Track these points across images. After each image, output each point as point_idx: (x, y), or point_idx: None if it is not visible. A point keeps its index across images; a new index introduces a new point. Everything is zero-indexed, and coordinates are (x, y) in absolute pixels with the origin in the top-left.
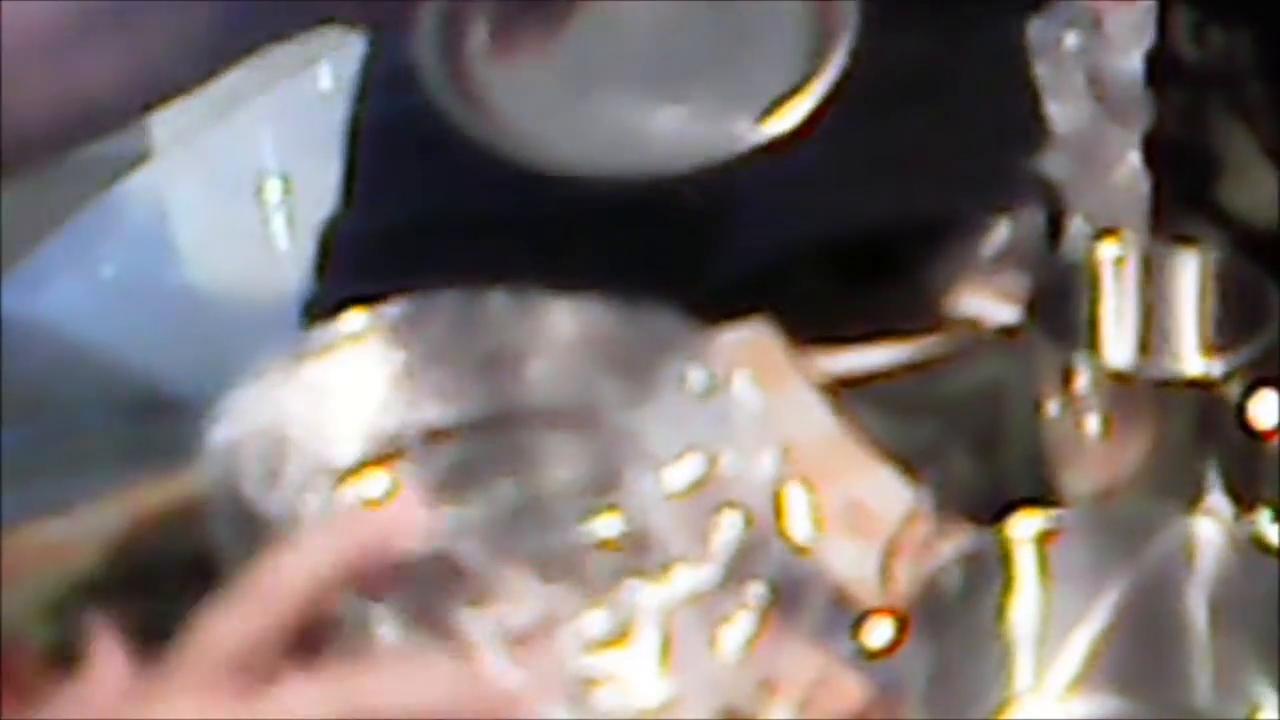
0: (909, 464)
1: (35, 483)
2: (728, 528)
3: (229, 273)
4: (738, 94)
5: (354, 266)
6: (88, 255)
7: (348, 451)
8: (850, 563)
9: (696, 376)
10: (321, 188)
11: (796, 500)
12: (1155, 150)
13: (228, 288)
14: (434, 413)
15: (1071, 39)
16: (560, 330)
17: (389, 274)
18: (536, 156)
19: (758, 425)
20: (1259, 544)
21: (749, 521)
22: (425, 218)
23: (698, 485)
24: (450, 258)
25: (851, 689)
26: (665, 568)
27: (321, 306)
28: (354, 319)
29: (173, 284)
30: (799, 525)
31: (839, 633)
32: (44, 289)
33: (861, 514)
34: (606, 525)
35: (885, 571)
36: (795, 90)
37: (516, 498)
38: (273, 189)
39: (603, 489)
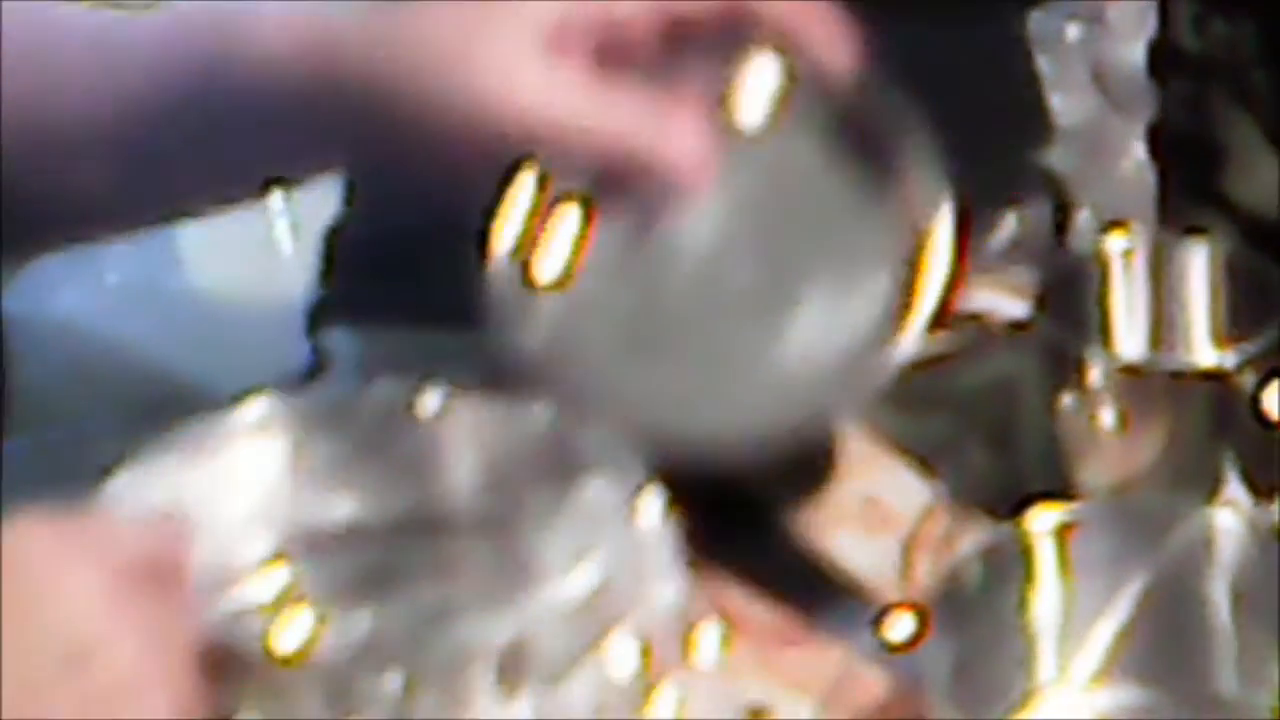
0: (925, 459)
1: (41, 488)
2: (619, 653)
3: (233, 278)
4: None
5: (358, 271)
6: (93, 261)
7: (246, 549)
8: (870, 558)
9: (610, 494)
10: (324, 193)
11: (708, 634)
12: (1159, 142)
13: (232, 293)
14: (337, 511)
15: (1074, 30)
16: (484, 434)
17: (393, 277)
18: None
19: (664, 552)
20: (1278, 533)
21: (645, 652)
22: (429, 221)
23: (590, 604)
24: (452, 260)
25: (873, 683)
26: (555, 680)
27: (326, 311)
28: (256, 407)
29: (177, 289)
30: (708, 660)
31: (860, 627)
32: (49, 295)
33: (879, 510)
34: (496, 634)
35: (905, 566)
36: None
37: (415, 604)
38: (276, 194)
39: (497, 600)
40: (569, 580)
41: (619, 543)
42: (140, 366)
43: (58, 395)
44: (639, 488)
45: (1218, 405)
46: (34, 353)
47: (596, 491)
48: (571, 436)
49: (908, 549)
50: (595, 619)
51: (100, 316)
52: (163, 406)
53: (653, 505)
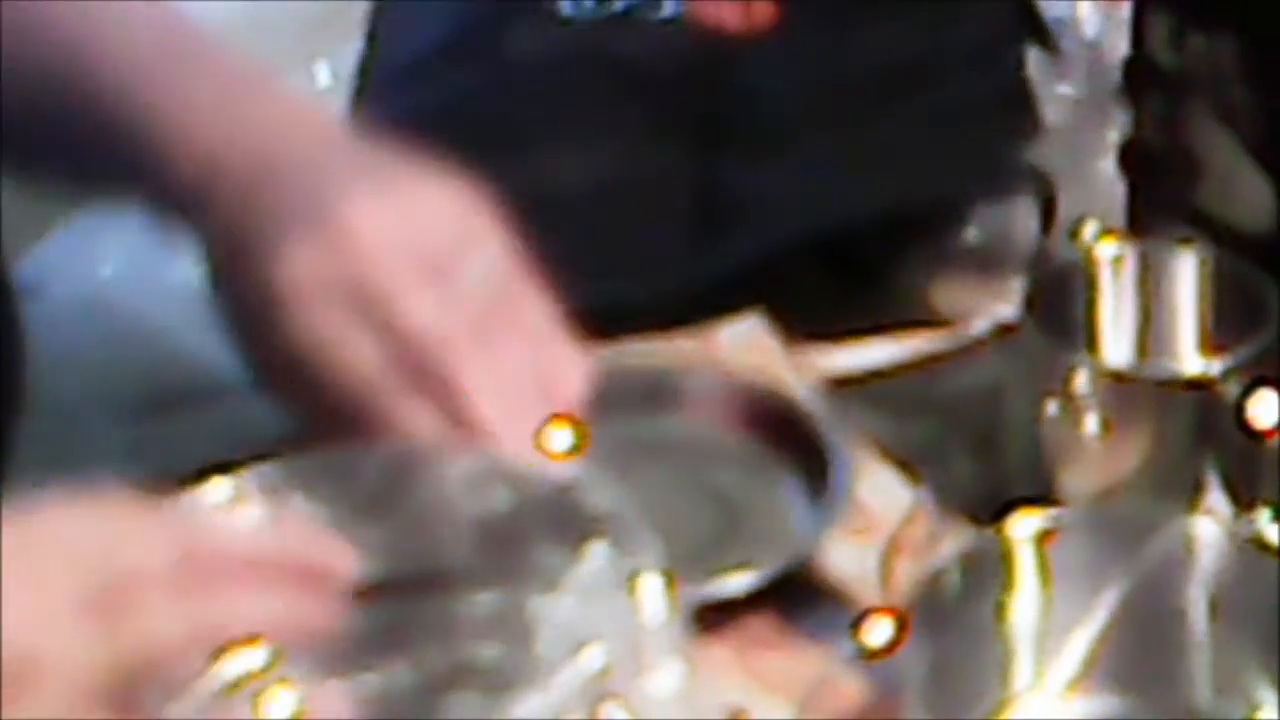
0: (908, 463)
1: (35, 482)
2: None
3: None
4: None
5: None
6: (88, 254)
7: None
8: (850, 562)
9: (618, 566)
10: None
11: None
12: (1135, 157)
13: None
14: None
15: (1064, 31)
16: (485, 491)
17: None
18: None
19: (667, 638)
20: (1258, 543)
21: None
22: None
23: (589, 684)
24: None
25: (851, 688)
26: None
27: None
28: (221, 485)
29: (172, 283)
30: None
31: (839, 632)
32: (44, 288)
33: (861, 513)
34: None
35: (885, 571)
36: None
37: (426, 668)
38: None
39: (509, 674)
40: (573, 663)
41: (622, 626)
42: (133, 360)
43: (50, 388)
44: (643, 564)
45: (1202, 414)
46: (39, 335)
47: (600, 566)
48: (579, 499)
49: (888, 553)
50: (594, 701)
51: (95, 309)
52: (156, 400)
53: (655, 586)
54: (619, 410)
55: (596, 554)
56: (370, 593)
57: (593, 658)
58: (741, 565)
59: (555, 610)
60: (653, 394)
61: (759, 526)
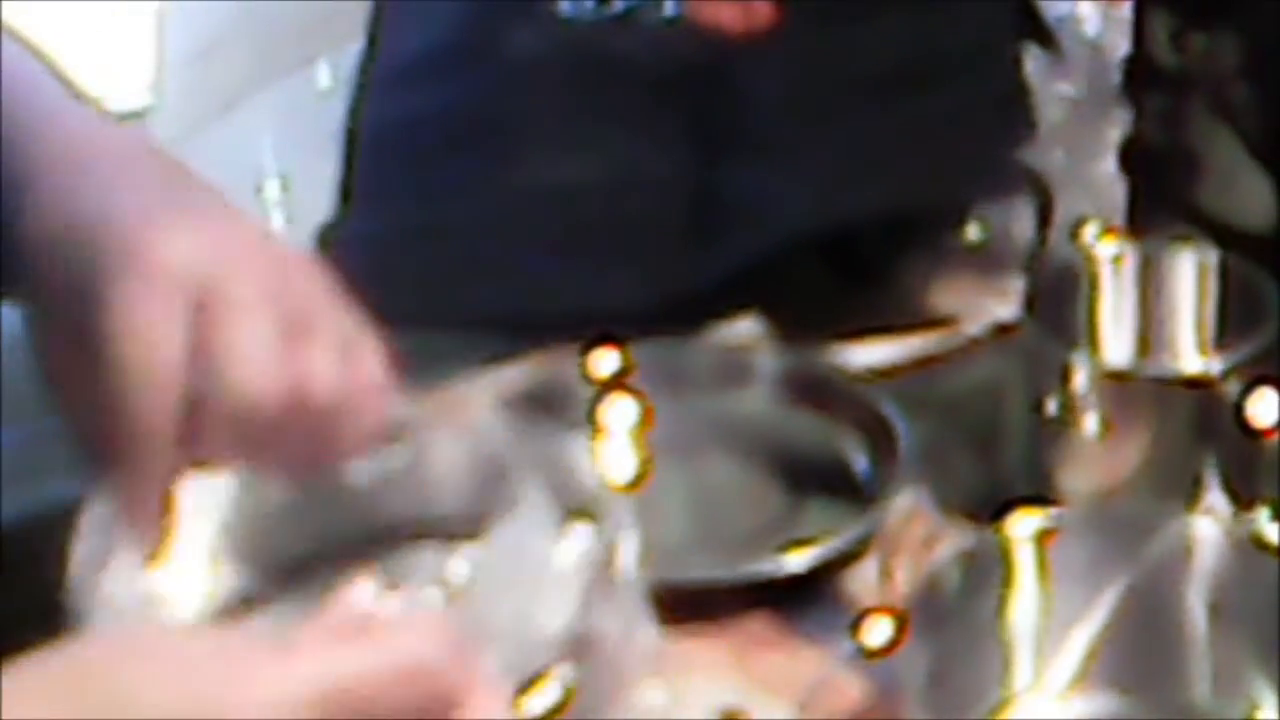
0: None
1: (35, 482)
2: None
3: None
4: None
5: (352, 269)
6: None
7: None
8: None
9: (588, 540)
10: (319, 186)
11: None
12: (1135, 156)
13: None
14: (294, 549)
15: (1064, 30)
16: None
17: (388, 276)
18: None
19: (637, 599)
20: (1257, 542)
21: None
22: (423, 219)
23: (574, 652)
24: (447, 259)
25: (851, 688)
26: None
27: None
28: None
29: None
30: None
31: (838, 632)
32: None
33: None
34: None
35: (884, 570)
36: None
37: None
38: (272, 188)
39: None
40: (554, 627)
41: (598, 592)
42: None
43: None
44: (617, 533)
45: (1201, 413)
46: (21, 342)
47: (523, 523)
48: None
49: (887, 553)
50: (576, 664)
51: None
52: None
53: (630, 551)
54: (687, 389)
55: (521, 513)
56: (290, 569)
57: (573, 625)
58: (810, 540)
59: (484, 570)
60: (720, 372)
61: (826, 500)
